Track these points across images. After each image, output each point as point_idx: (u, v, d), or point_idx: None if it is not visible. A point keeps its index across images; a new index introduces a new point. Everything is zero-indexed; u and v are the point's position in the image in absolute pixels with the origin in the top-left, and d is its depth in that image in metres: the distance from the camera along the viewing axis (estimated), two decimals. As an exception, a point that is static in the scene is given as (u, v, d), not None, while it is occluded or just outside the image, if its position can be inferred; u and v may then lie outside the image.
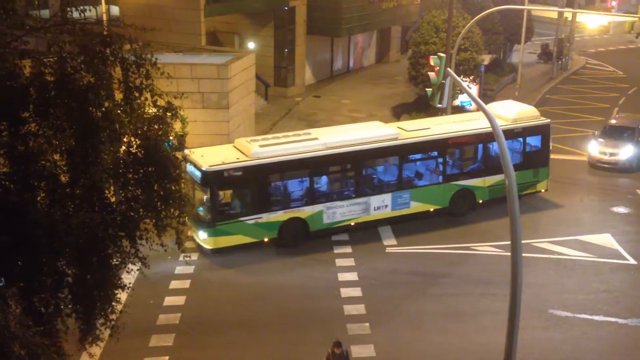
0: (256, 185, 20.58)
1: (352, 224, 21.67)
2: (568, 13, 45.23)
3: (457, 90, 28.48)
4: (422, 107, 32.88)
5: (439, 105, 25.84)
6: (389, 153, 22.32)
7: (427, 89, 26.35)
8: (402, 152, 22.22)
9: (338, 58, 43.10)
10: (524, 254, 10.54)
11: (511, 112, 23.96)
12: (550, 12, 53.98)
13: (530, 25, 41.40)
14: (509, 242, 10.87)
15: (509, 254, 10.79)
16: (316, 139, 21.22)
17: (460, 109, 32.26)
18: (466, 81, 31.53)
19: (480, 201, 23.45)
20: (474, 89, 32.07)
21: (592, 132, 29.46)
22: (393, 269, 20.16)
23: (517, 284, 10.74)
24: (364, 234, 21.97)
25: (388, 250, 21.23)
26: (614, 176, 27.36)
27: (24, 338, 9.05)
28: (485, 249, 21.34)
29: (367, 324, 17.14)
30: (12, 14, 9.57)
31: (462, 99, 31.93)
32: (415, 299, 18.48)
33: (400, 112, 34.32)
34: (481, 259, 20.74)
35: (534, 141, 24.08)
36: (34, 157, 9.86)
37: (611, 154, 27.63)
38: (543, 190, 24.43)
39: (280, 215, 20.71)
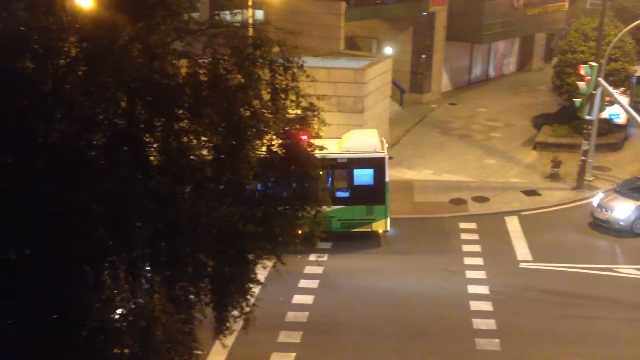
0: None
1: None
2: None
3: (606, 102, 26.87)
4: (566, 118, 31.34)
5: (588, 117, 24.44)
6: None
7: (575, 100, 25.05)
8: None
9: (477, 65, 42.11)
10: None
11: (348, 141, 21.44)
12: None
13: (690, 34, 38.27)
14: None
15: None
16: None
17: (608, 122, 30.43)
18: (616, 93, 29.65)
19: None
20: (624, 102, 30.09)
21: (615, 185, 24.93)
22: (526, 285, 19.36)
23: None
24: (496, 246, 21.32)
25: (522, 265, 20.42)
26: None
27: (167, 324, 9.49)
28: (629, 271, 19.98)
29: (497, 340, 16.61)
30: (177, 15, 10.14)
31: (609, 111, 30.05)
32: (549, 319, 17.64)
33: (541, 123, 32.92)
34: (624, 282, 19.47)
35: (365, 175, 21.24)
36: (185, 153, 10.36)
37: (607, 210, 22.54)
38: (381, 231, 21.42)
39: None
